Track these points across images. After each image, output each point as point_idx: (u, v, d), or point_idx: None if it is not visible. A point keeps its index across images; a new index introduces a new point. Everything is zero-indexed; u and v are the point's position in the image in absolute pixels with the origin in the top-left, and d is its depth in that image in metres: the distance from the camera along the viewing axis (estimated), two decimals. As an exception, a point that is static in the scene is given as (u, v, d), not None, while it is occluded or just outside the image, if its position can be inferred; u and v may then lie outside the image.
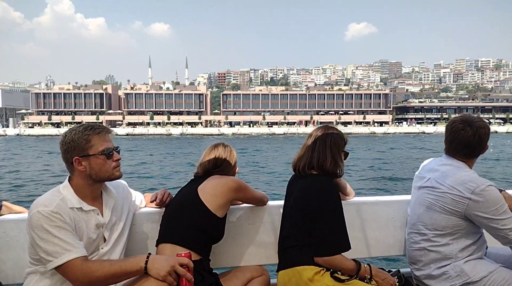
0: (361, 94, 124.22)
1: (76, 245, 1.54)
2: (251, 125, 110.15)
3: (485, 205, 1.83)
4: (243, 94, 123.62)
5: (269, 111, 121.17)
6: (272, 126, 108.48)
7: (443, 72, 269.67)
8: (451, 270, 1.92)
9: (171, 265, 1.53)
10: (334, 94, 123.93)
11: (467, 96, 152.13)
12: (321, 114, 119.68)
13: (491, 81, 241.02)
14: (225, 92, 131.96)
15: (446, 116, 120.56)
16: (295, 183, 2.05)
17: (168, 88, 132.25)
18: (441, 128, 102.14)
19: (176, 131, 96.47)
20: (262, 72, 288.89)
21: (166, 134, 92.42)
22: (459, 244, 1.93)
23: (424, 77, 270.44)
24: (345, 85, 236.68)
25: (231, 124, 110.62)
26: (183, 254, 1.59)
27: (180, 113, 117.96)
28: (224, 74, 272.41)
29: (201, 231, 1.87)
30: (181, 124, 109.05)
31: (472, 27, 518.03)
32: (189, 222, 1.87)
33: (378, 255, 2.40)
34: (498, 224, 1.83)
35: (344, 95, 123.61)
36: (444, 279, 1.94)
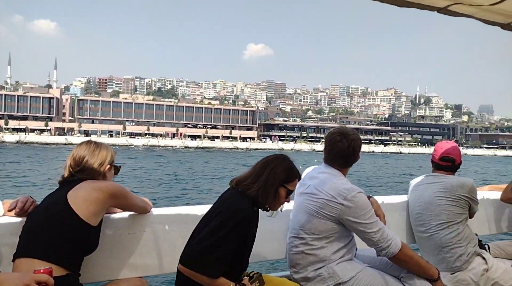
0: (230, 110, 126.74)
1: None
2: (111, 135, 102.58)
3: (355, 210, 1.97)
4: (102, 101, 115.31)
5: (132, 121, 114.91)
6: (135, 137, 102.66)
7: (320, 95, 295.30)
8: (325, 272, 2.03)
9: (24, 283, 1.25)
10: (203, 108, 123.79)
11: (325, 117, 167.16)
12: (189, 127, 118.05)
13: (358, 106, 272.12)
14: (81, 97, 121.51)
15: (305, 134, 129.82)
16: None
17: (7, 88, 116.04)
18: (299, 145, 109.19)
19: (11, 138, 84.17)
20: (149, 81, 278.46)
21: (-1, 141, 79.74)
22: (332, 247, 2.05)
23: (304, 99, 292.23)
24: (233, 100, 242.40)
25: (87, 133, 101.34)
26: (41, 270, 1.32)
27: (24, 118, 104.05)
28: (106, 80, 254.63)
29: (70, 242, 1.69)
30: (23, 130, 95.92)
31: (345, 57, 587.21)
32: (54, 232, 1.67)
33: (261, 259, 2.40)
34: (365, 228, 1.97)
35: (213, 109, 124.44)
36: (319, 280, 2.05)
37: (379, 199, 2.51)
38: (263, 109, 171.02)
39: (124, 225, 2.08)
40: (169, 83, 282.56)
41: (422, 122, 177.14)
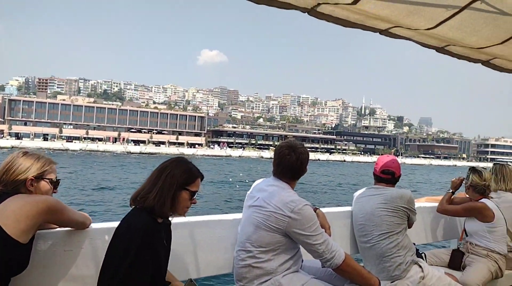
0: (177, 115, 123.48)
1: None
2: (45, 138, 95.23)
3: (301, 222, 2.01)
4: (37, 101, 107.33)
5: (70, 123, 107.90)
6: (72, 141, 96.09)
7: (272, 104, 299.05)
8: (271, 284, 2.04)
9: None
10: (148, 112, 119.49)
11: (274, 125, 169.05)
12: (133, 132, 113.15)
13: (308, 115, 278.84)
14: (13, 97, 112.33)
15: (254, 141, 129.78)
16: None
17: None
18: (247, 152, 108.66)
19: None
20: (94, 83, 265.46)
21: None
22: (279, 259, 2.07)
23: (256, 107, 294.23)
24: (184, 106, 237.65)
25: (18, 136, 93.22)
26: None
27: None
28: (46, 80, 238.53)
29: None
30: None
31: (297, 68, 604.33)
32: None
33: (209, 274, 2.37)
34: (311, 239, 2.01)
35: (159, 114, 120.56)
36: None
37: (325, 210, 2.61)
38: (213, 115, 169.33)
39: (59, 242, 1.94)
40: (116, 86, 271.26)
41: (366, 132, 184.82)
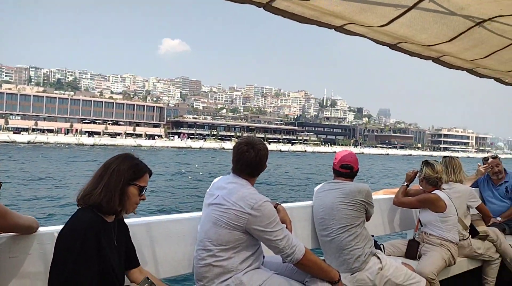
0: (134, 105, 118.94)
1: None
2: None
3: (261, 219, 2.00)
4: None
5: (17, 114, 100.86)
6: (20, 132, 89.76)
7: (235, 95, 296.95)
8: (232, 282, 2.04)
9: None
10: (103, 102, 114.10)
11: (236, 116, 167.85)
12: (86, 123, 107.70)
13: (271, 106, 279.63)
14: None
15: (216, 133, 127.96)
16: None
17: None
18: (208, 144, 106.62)
19: None
20: (46, 71, 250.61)
21: None
22: (240, 257, 2.07)
23: (219, 97, 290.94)
24: (144, 96, 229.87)
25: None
26: None
27: None
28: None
29: None
30: None
31: (259, 58, 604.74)
32: None
33: (168, 275, 2.32)
34: (271, 235, 2.02)
35: (115, 104, 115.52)
36: None
37: (286, 205, 2.66)
38: (173, 105, 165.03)
39: (4, 248, 1.82)
40: (71, 75, 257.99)
41: (327, 123, 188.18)
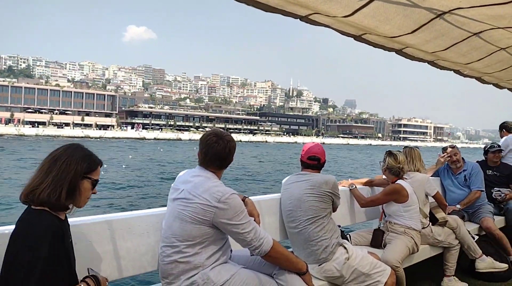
0: (83, 93, 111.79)
1: None
2: None
3: (228, 212, 1.97)
4: None
5: None
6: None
7: (200, 84, 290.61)
8: (199, 278, 2.00)
9: None
10: (47, 90, 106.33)
11: (196, 105, 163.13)
12: (30, 112, 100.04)
13: (237, 96, 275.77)
14: None
15: (173, 123, 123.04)
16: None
17: None
18: (163, 134, 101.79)
19: None
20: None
21: None
22: (207, 252, 2.03)
23: (183, 87, 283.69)
24: (103, 84, 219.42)
25: None
26: None
27: None
28: None
29: None
30: None
31: (226, 48, 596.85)
32: None
33: (132, 274, 2.26)
34: (239, 228, 1.99)
35: (61, 92, 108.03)
36: None
37: (254, 198, 2.71)
38: (130, 94, 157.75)
39: None
40: (24, 62, 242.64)
41: (291, 113, 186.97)
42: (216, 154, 2.08)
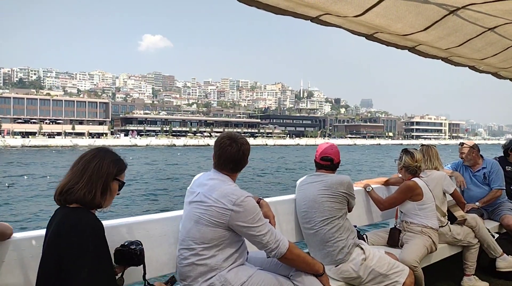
0: (74, 101, 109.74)
1: None
2: None
3: (244, 214, 1.97)
4: None
5: None
6: None
7: (210, 89, 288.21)
8: (216, 280, 2.00)
9: None
10: (37, 99, 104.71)
11: (196, 110, 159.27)
12: (19, 122, 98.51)
13: (246, 99, 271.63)
14: None
15: (167, 128, 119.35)
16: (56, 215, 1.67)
17: None
18: (156, 141, 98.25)
19: None
20: (8, 71, 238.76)
21: None
22: (224, 254, 2.04)
23: (193, 92, 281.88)
24: (113, 93, 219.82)
25: None
26: None
27: None
28: None
29: None
30: None
31: (237, 53, 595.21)
32: None
33: (151, 276, 2.25)
34: (255, 231, 1.99)
35: (51, 101, 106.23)
36: None
37: (269, 200, 2.69)
38: (130, 101, 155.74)
39: None
40: (34, 74, 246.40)
41: (297, 114, 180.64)
42: (229, 157, 2.07)
